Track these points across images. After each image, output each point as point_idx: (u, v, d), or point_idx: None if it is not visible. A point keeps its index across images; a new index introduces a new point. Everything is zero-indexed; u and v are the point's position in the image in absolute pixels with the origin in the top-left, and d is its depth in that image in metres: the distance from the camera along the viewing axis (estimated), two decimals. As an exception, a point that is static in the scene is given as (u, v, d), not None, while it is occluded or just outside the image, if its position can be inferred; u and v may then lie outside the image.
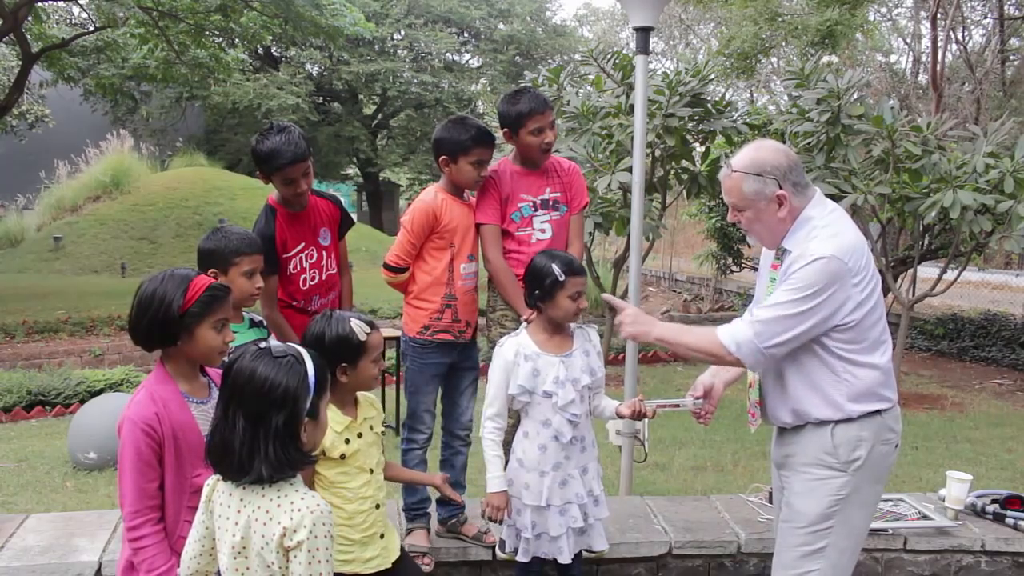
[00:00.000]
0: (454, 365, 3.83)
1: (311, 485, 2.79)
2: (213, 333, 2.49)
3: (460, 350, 3.82)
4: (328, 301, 3.75)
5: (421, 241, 3.74)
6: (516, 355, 3.16)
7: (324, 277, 3.72)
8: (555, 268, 3.12)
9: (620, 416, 3.22)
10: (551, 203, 3.84)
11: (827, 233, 2.64)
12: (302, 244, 3.65)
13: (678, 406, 3.12)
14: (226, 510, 2.11)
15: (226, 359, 3.09)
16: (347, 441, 2.79)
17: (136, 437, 2.38)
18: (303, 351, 2.13)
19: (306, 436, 2.09)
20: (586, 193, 4.03)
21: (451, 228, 3.72)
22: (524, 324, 3.29)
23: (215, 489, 2.16)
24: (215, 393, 2.54)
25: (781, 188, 2.70)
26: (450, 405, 3.90)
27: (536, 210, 3.82)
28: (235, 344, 2.75)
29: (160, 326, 2.44)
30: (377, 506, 2.86)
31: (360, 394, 2.90)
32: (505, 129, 3.83)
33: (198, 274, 2.53)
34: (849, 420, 2.70)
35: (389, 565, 2.88)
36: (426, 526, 3.82)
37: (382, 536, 2.87)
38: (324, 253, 3.73)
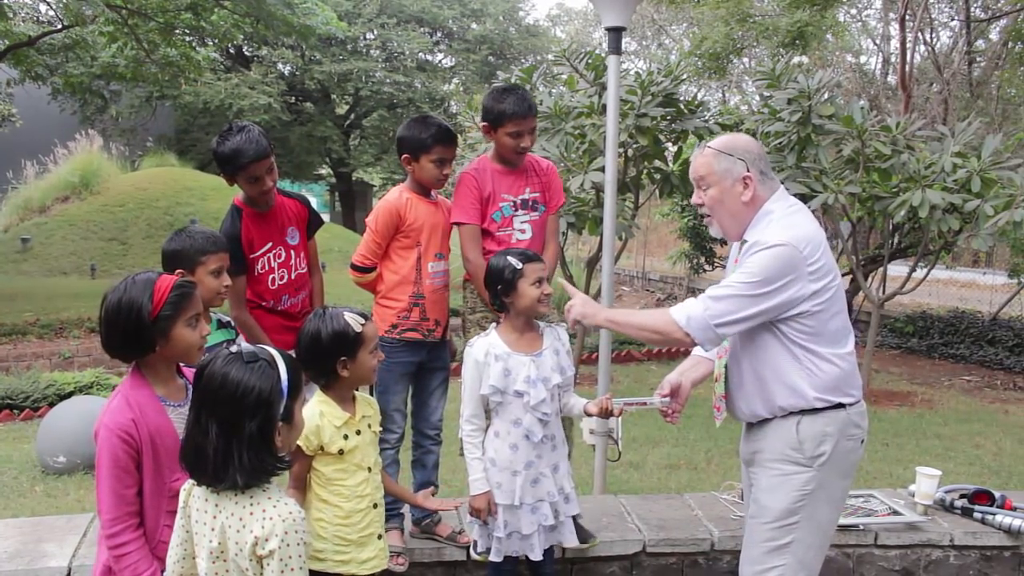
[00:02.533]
0: (423, 364, 3.83)
1: (307, 482, 2.78)
2: (188, 331, 2.46)
3: (429, 349, 3.82)
4: (298, 301, 3.74)
5: (386, 240, 3.75)
6: (487, 355, 3.17)
7: (293, 276, 3.71)
8: (511, 259, 3.16)
9: (588, 414, 3.25)
10: (531, 203, 3.85)
11: (783, 224, 2.71)
12: (269, 244, 3.64)
13: (645, 404, 3.14)
14: (203, 515, 2.10)
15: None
16: (345, 437, 2.78)
17: (113, 444, 2.35)
18: (275, 353, 2.11)
19: (280, 440, 2.08)
20: (562, 193, 4.04)
21: (416, 227, 3.73)
22: (494, 325, 3.29)
23: (191, 494, 2.15)
24: (190, 393, 2.52)
25: (749, 171, 2.78)
26: (420, 405, 3.90)
27: (516, 210, 3.83)
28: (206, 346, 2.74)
29: (135, 335, 2.40)
30: (375, 506, 2.85)
31: (358, 394, 2.90)
32: (484, 124, 3.81)
33: (160, 275, 2.49)
34: (814, 412, 2.74)
35: (386, 566, 2.88)
36: (399, 526, 3.82)
37: (379, 537, 2.86)
38: (292, 252, 3.72)
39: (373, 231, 3.76)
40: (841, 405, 2.76)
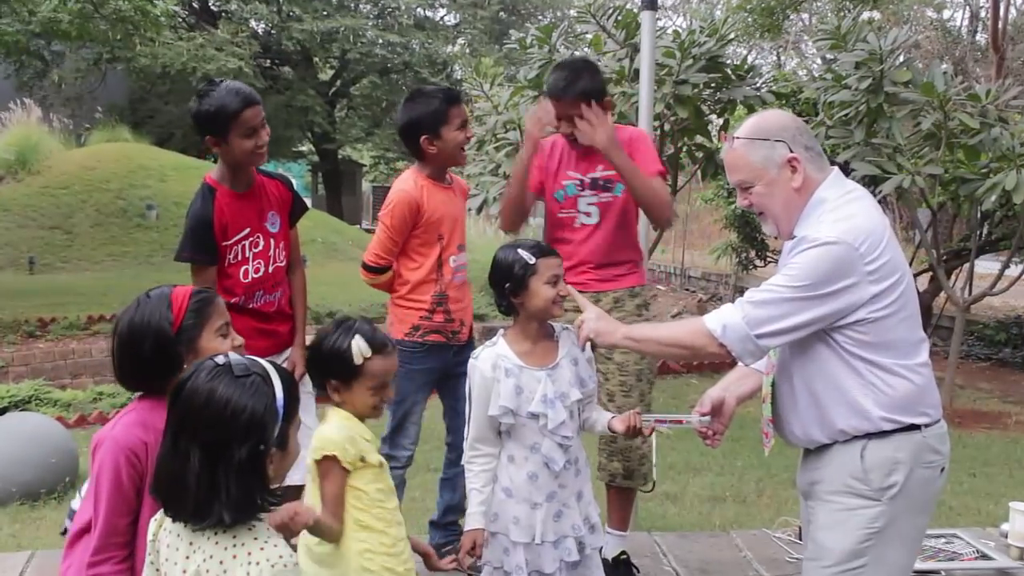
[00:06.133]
0: (450, 371, 3.88)
1: (343, 506, 2.74)
2: (220, 340, 2.50)
3: (454, 353, 3.89)
4: (274, 299, 3.76)
5: (403, 237, 3.82)
6: (495, 369, 3.17)
7: (271, 269, 3.73)
8: (522, 253, 3.15)
9: (612, 431, 3.25)
10: (601, 182, 3.92)
11: (837, 216, 2.69)
12: (246, 230, 3.66)
13: (681, 423, 3.12)
14: (173, 553, 2.09)
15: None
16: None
17: (118, 463, 2.38)
18: (268, 366, 2.10)
19: (272, 469, 2.06)
20: (657, 160, 4.03)
21: (436, 219, 3.80)
22: (501, 332, 3.31)
23: (162, 526, 2.14)
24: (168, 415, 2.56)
25: (792, 151, 2.76)
26: (453, 416, 3.95)
27: (583, 190, 3.92)
28: None
29: (157, 356, 2.45)
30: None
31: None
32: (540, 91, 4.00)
33: (174, 287, 2.55)
34: (882, 435, 2.71)
35: None
36: None
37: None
38: (272, 241, 3.74)
39: (388, 227, 3.83)
40: (915, 427, 2.73)
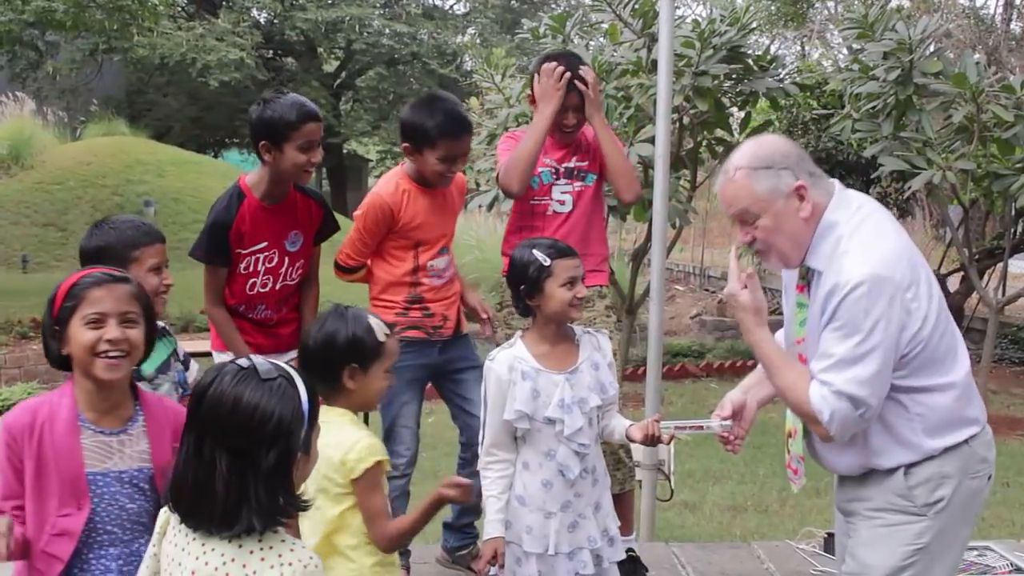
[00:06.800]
0: (442, 368, 3.89)
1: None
2: (87, 329, 2.45)
3: (442, 348, 3.89)
4: (275, 315, 3.78)
5: (376, 240, 3.85)
6: (511, 371, 3.16)
7: (278, 287, 3.77)
8: (536, 254, 3.14)
9: (631, 440, 3.25)
10: (576, 172, 4.01)
11: (860, 244, 2.62)
12: (264, 243, 3.70)
13: (702, 428, 3.12)
14: (179, 553, 2.10)
15: (182, 373, 3.21)
16: None
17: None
18: (290, 369, 2.12)
19: (297, 474, 2.08)
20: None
21: (414, 225, 3.80)
22: (519, 333, 3.30)
23: (169, 523, 2.15)
24: (137, 425, 2.55)
25: (798, 178, 2.69)
26: (460, 414, 3.95)
27: (558, 178, 4.00)
28: (153, 362, 2.91)
29: (45, 336, 2.54)
30: None
31: None
32: (530, 94, 4.07)
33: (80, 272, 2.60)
34: (930, 458, 2.69)
35: None
36: (405, 564, 3.88)
37: None
38: (287, 260, 3.77)
39: (361, 229, 3.84)
40: (964, 441, 2.70)
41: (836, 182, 2.80)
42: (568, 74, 3.89)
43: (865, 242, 2.63)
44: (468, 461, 3.96)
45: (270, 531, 2.04)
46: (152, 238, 3.14)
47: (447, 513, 4.32)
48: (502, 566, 3.18)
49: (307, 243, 3.85)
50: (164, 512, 2.18)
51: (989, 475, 2.78)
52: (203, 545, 2.05)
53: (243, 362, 2.08)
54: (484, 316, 4.08)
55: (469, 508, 3.94)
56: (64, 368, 2.55)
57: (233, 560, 2.02)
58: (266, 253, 3.71)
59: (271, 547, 2.03)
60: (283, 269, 3.76)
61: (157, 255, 3.12)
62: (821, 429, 2.66)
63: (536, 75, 3.99)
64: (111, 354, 2.44)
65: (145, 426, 2.56)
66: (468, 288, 4.17)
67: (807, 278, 2.79)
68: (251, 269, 3.69)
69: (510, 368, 3.17)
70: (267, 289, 3.75)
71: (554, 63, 3.94)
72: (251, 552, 2.02)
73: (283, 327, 3.84)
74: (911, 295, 2.59)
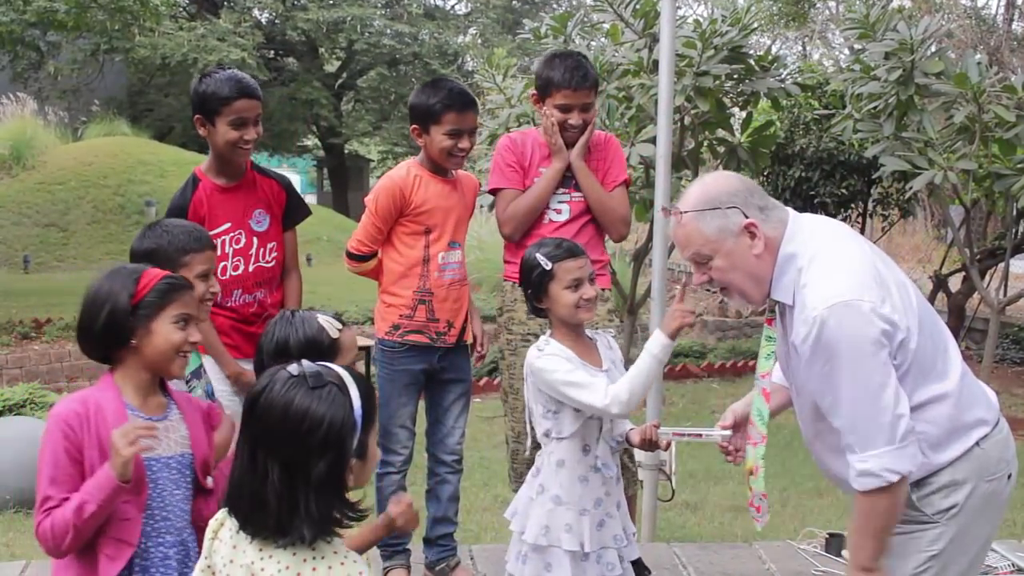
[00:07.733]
0: (435, 375, 3.88)
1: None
2: (173, 328, 2.57)
3: (441, 356, 3.87)
4: (254, 300, 3.76)
5: (388, 225, 3.82)
6: (570, 361, 3.10)
7: (251, 269, 3.75)
8: (539, 257, 3.11)
9: (629, 444, 3.26)
10: (573, 181, 3.96)
11: (819, 272, 2.57)
12: (227, 224, 3.70)
13: (700, 436, 3.12)
14: (231, 551, 2.10)
15: (210, 385, 3.24)
16: None
17: (55, 437, 2.47)
18: (343, 373, 2.09)
19: (352, 479, 2.06)
20: (624, 167, 4.15)
21: (425, 210, 3.79)
22: (548, 333, 3.25)
23: (223, 524, 2.15)
24: (173, 412, 2.66)
25: (747, 216, 2.65)
26: (434, 424, 3.95)
27: (556, 187, 3.94)
28: (191, 365, 2.92)
29: (109, 324, 2.53)
30: None
31: None
32: (534, 93, 4.01)
33: (151, 267, 2.66)
34: (939, 470, 2.64)
35: None
36: (405, 563, 3.87)
37: None
38: (256, 240, 3.77)
39: (372, 213, 3.83)
40: (975, 444, 2.64)
41: (790, 211, 2.74)
42: (575, 92, 3.87)
43: (823, 270, 2.57)
44: (432, 471, 3.96)
45: (323, 540, 2.03)
46: (203, 244, 3.15)
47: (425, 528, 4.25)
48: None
49: (275, 224, 3.84)
50: (214, 520, 2.18)
51: (1010, 474, 2.70)
52: (260, 551, 2.05)
53: (294, 368, 2.05)
54: (479, 350, 4.12)
55: (441, 518, 3.94)
56: (104, 360, 2.62)
57: (288, 568, 2.01)
58: (232, 234, 3.72)
59: (323, 557, 2.01)
60: (252, 250, 3.76)
61: (207, 262, 3.14)
62: (904, 482, 2.55)
63: (538, 73, 3.97)
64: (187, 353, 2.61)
65: (181, 413, 2.68)
66: (476, 313, 4.17)
67: (775, 311, 2.77)
68: (220, 252, 3.66)
69: (567, 359, 3.10)
70: (239, 272, 3.74)
71: (551, 112, 3.90)
72: (304, 561, 2.01)
73: (262, 326, 3.81)
74: (888, 308, 2.51)
